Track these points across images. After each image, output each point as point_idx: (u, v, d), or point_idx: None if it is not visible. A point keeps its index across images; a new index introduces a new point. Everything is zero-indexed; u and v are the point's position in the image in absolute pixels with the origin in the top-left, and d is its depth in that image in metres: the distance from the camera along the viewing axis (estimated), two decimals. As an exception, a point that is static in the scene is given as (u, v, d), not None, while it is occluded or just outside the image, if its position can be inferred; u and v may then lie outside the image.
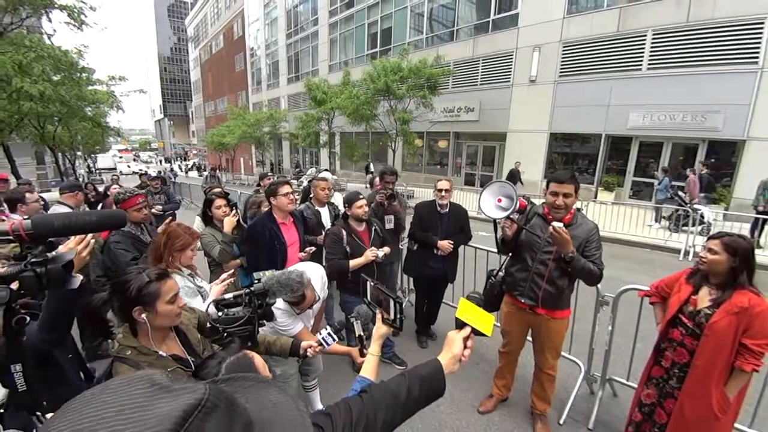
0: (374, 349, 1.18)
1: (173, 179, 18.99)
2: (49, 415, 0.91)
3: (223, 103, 38.78)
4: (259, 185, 5.49)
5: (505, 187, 2.20)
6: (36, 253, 0.82)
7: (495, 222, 2.36)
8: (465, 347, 1.03)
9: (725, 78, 9.74)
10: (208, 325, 1.29)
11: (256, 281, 1.37)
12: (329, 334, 1.59)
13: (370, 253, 2.81)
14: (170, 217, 2.55)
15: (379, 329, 1.21)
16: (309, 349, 1.67)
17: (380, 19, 19.11)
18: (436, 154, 18.47)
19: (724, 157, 10.51)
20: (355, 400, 0.87)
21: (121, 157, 48.48)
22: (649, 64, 10.96)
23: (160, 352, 1.30)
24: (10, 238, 0.76)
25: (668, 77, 10.64)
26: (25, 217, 0.90)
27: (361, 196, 2.95)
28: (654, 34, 10.77)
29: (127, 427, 0.34)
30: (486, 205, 2.21)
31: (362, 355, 1.59)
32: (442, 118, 16.14)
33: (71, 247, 1.21)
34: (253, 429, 0.44)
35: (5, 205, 3.16)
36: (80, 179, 23.14)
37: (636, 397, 2.24)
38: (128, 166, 40.60)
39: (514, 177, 12.34)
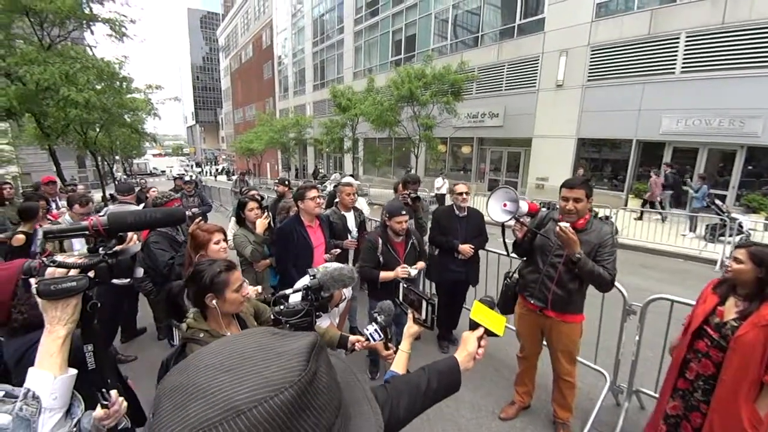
0: (405, 345, 1.25)
1: (203, 182, 19.75)
2: (113, 392, 1.02)
3: (251, 110, 40.03)
4: (276, 191, 5.62)
5: (509, 192, 2.28)
6: (110, 246, 0.94)
7: (503, 226, 2.41)
8: (480, 346, 1.10)
9: (764, 81, 9.26)
10: (272, 317, 1.43)
11: (311, 277, 1.49)
12: (376, 330, 1.65)
13: (401, 271, 2.79)
14: (200, 218, 2.70)
15: (410, 328, 1.28)
16: (357, 344, 1.76)
17: (405, 26, 19.29)
18: (459, 160, 18.38)
19: (764, 163, 9.97)
20: (380, 389, 0.94)
21: (154, 169, 51.09)
22: (683, 67, 10.57)
23: (228, 335, 1.42)
24: (88, 232, 0.88)
25: (703, 80, 10.21)
26: (100, 214, 1.02)
27: (404, 212, 2.88)
28: (688, 36, 10.38)
29: (274, 356, 0.46)
30: (493, 210, 2.28)
31: (387, 348, 1.66)
32: (466, 124, 16.07)
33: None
34: (335, 372, 0.56)
35: (59, 204, 3.44)
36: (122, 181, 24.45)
37: (659, 409, 2.20)
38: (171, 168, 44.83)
39: None
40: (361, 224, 3.80)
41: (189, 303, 1.55)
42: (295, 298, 1.49)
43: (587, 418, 2.75)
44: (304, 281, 1.83)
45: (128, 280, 1.19)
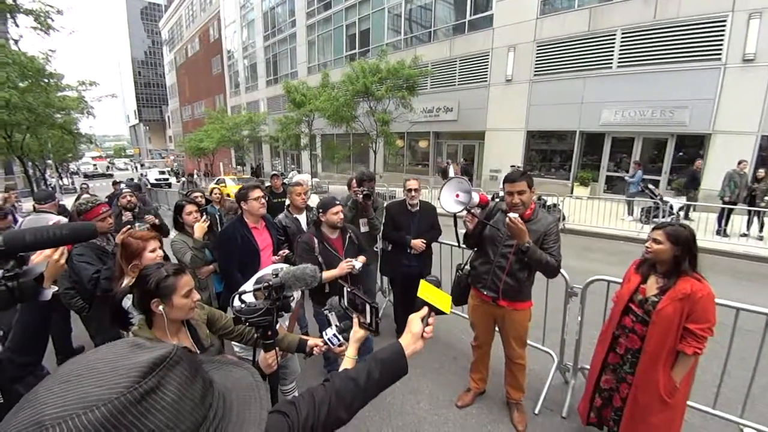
0: (351, 352, 1.21)
1: (148, 186, 18.51)
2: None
3: (200, 107, 38.08)
4: (269, 187, 5.61)
5: (462, 183, 2.30)
6: (8, 268, 0.83)
7: (455, 217, 2.44)
8: (428, 325, 1.10)
9: (691, 74, 10.17)
10: (232, 315, 1.37)
11: (273, 275, 1.44)
12: (335, 334, 1.60)
13: (346, 265, 2.65)
14: (127, 226, 2.49)
15: (357, 333, 1.25)
16: (315, 348, 1.73)
17: (358, 20, 19.13)
18: (417, 154, 18.59)
19: (692, 150, 10.97)
20: (318, 389, 0.94)
21: (95, 165, 47.20)
22: (619, 62, 11.34)
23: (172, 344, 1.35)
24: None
25: (638, 74, 11.03)
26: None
27: (337, 202, 2.79)
28: (623, 33, 11.15)
29: (108, 370, 0.45)
30: (445, 200, 2.30)
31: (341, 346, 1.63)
32: (422, 119, 16.27)
33: (40, 260, 1.18)
34: (213, 388, 0.57)
35: None
36: (53, 188, 22.35)
37: (590, 382, 2.33)
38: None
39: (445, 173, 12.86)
40: (314, 223, 3.69)
41: (135, 310, 1.47)
42: (249, 298, 1.43)
43: (538, 397, 2.88)
44: (249, 284, 1.74)
45: (48, 298, 1.06)
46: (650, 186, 9.00)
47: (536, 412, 2.79)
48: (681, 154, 11.18)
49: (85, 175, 40.92)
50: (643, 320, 1.99)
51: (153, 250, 2.08)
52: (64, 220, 2.28)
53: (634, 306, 2.06)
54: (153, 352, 0.49)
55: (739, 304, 2.30)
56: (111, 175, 37.13)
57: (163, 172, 30.85)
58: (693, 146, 10.93)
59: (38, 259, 1.12)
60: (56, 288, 1.18)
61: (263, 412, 0.62)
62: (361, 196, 3.39)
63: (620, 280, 2.31)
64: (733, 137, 9.78)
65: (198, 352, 1.47)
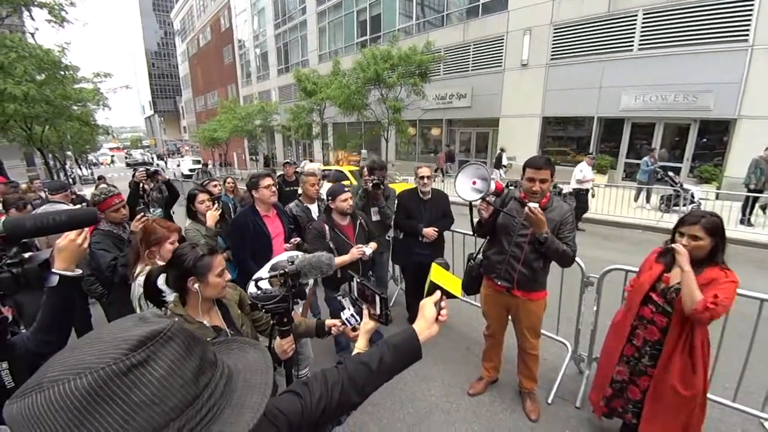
0: (361, 343, 1.21)
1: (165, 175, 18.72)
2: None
3: (213, 97, 38.32)
4: (281, 175, 5.67)
5: (480, 169, 2.23)
6: (11, 255, 0.85)
7: (470, 205, 2.38)
8: (441, 309, 1.09)
9: (716, 57, 9.71)
10: (249, 301, 1.41)
11: (289, 263, 1.47)
12: (352, 315, 1.60)
13: (356, 251, 2.68)
14: (142, 213, 2.52)
15: (366, 324, 1.25)
16: (333, 328, 1.74)
17: (369, 5, 18.81)
18: (429, 142, 18.40)
19: (716, 136, 10.55)
20: (331, 371, 0.94)
21: (113, 156, 48.36)
22: (640, 45, 10.89)
23: (204, 322, 1.46)
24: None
25: (659, 57, 10.59)
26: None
27: (346, 189, 2.81)
28: (645, 14, 10.68)
29: (108, 341, 0.47)
30: (461, 187, 2.23)
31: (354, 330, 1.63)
32: (435, 106, 16.03)
33: (65, 243, 1.22)
34: (216, 368, 0.58)
35: None
36: (73, 179, 22.97)
37: (601, 374, 2.29)
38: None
39: (498, 161, 12.64)
40: (325, 210, 3.69)
41: (169, 289, 1.51)
42: (265, 285, 1.45)
43: (551, 386, 2.85)
44: (264, 271, 1.75)
45: (54, 284, 1.09)
46: (670, 173, 8.70)
47: (549, 401, 2.77)
48: (704, 140, 10.76)
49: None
50: (665, 311, 1.93)
51: (172, 242, 2.11)
52: (92, 208, 2.33)
53: (654, 296, 1.99)
54: (150, 326, 0.50)
55: (763, 294, 2.21)
56: (149, 163, 37.44)
57: (198, 161, 27.88)
58: (717, 132, 10.49)
59: (63, 242, 1.17)
60: (80, 271, 1.21)
61: (264, 398, 0.62)
62: (371, 185, 3.37)
63: (637, 269, 2.24)
64: (760, 122, 9.33)
65: (229, 331, 1.51)
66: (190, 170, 22.60)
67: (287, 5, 25.28)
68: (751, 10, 9.09)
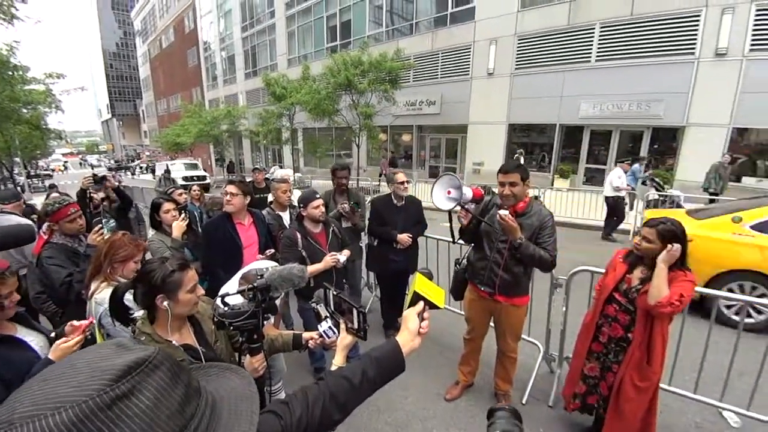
0: (338, 359, 1.14)
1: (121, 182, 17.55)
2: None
3: (176, 100, 36.77)
4: (251, 181, 5.48)
5: (453, 179, 2.27)
6: None
7: (450, 213, 2.41)
8: (423, 320, 1.06)
9: (666, 68, 10.45)
10: (215, 319, 1.32)
11: (258, 276, 1.40)
12: (330, 327, 1.55)
13: (330, 259, 2.61)
14: (98, 225, 2.36)
15: (344, 339, 1.18)
16: (311, 341, 1.69)
17: (339, 11, 18.80)
18: (400, 148, 18.53)
19: (666, 142, 11.32)
20: (311, 387, 0.91)
21: (66, 162, 45.21)
22: (598, 56, 11.54)
23: (173, 341, 1.36)
24: None
25: (615, 68, 11.26)
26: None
27: (317, 195, 2.75)
28: (602, 27, 11.33)
29: (86, 371, 0.44)
30: (438, 198, 2.26)
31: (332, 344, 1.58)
32: (405, 112, 16.20)
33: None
34: (200, 396, 0.55)
35: None
36: (21, 187, 21.25)
37: (573, 370, 2.38)
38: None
39: None
40: (297, 218, 3.61)
41: (137, 306, 1.42)
42: (235, 300, 1.37)
43: (525, 387, 2.92)
44: (233, 283, 1.67)
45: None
46: (656, 179, 9.14)
47: (523, 402, 2.83)
48: (656, 146, 11.52)
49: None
50: (627, 309, 2.03)
51: (137, 262, 1.99)
52: (27, 221, 2.14)
53: (618, 295, 2.09)
54: (132, 354, 0.47)
55: (719, 292, 2.37)
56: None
57: (195, 165, 20.95)
58: (667, 139, 11.27)
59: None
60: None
61: (252, 427, 0.59)
62: (348, 207, 3.34)
63: (602, 270, 2.34)
64: (705, 129, 10.13)
65: (200, 350, 1.42)
66: (185, 178, 16.52)
67: (255, 8, 24.80)
68: (697, 25, 9.89)
